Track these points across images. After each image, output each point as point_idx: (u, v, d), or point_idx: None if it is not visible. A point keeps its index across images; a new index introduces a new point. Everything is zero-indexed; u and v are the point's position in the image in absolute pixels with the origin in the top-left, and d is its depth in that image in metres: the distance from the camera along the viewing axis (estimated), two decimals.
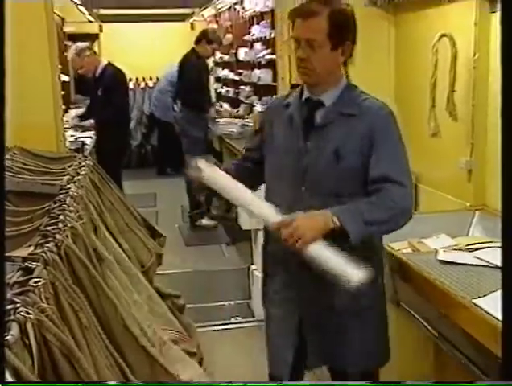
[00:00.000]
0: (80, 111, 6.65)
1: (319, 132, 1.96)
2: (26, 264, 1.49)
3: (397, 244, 2.39)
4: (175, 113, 6.26)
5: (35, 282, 1.40)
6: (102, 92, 5.40)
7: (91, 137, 5.45)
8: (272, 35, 5.69)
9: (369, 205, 1.86)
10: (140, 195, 6.71)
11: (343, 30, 1.92)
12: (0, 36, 1.05)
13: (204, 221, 5.84)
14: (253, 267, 3.93)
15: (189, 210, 5.96)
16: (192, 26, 9.18)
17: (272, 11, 5.58)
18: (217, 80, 9.24)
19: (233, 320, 3.89)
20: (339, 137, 1.93)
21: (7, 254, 1.69)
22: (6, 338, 1.12)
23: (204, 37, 5.73)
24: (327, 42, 1.90)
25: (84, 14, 7.84)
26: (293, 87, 3.61)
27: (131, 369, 1.66)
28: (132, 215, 3.10)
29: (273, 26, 5.60)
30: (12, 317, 1.20)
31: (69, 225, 1.93)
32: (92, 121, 5.62)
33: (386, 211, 1.86)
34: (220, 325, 3.81)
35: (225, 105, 7.92)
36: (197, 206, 5.86)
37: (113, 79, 5.45)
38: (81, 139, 5.59)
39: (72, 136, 5.30)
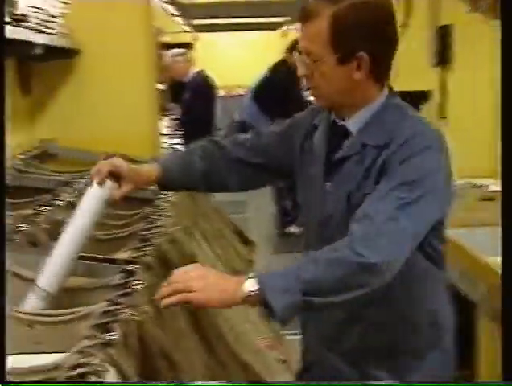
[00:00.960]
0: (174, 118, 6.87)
1: (339, 170, 1.47)
2: (128, 267, 1.54)
3: None
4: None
5: (136, 285, 1.44)
6: (189, 97, 5.55)
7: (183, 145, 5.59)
8: None
9: (311, 259, 1.29)
10: (229, 201, 6.77)
11: (352, 37, 1.36)
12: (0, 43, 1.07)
13: (293, 229, 5.83)
14: None
15: (277, 217, 5.97)
16: (285, 35, 9.24)
17: None
18: None
19: None
20: (355, 178, 1.43)
21: (109, 256, 1.76)
22: (109, 338, 1.16)
23: (295, 46, 5.70)
24: (329, 53, 1.38)
25: (180, 24, 8.07)
26: None
27: (226, 373, 1.67)
28: (224, 222, 3.16)
29: None
30: (116, 317, 1.24)
31: (166, 230, 1.98)
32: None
33: (338, 264, 1.26)
34: None
35: None
36: (285, 213, 5.86)
37: (200, 85, 5.60)
38: (175, 146, 5.75)
39: (165, 142, 5.45)
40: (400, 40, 1.46)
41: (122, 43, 3.46)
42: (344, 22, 1.35)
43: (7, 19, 2.16)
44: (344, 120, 1.49)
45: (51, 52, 2.92)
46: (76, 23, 3.23)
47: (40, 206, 2.09)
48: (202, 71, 5.78)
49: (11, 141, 3.08)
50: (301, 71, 1.44)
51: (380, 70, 1.43)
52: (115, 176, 1.59)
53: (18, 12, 2.20)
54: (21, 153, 3.02)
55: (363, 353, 1.49)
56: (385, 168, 1.37)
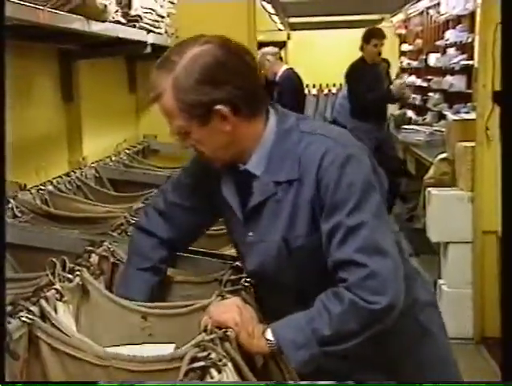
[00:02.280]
0: None
1: (259, 216, 1.37)
2: (236, 263, 1.56)
3: None
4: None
5: (246, 282, 1.45)
6: (277, 94, 5.57)
7: None
8: (469, 40, 5.42)
9: (322, 311, 1.26)
10: None
11: (196, 97, 1.28)
12: (0, 43, 1.08)
13: None
14: (440, 281, 3.77)
15: None
16: None
17: (471, 14, 5.31)
18: None
19: None
20: (284, 219, 1.34)
21: (216, 251, 1.79)
22: (227, 333, 1.18)
23: (362, 41, 5.36)
24: (188, 121, 1.30)
25: (275, 22, 8.10)
26: (495, 95, 3.41)
27: None
28: None
29: (471, 30, 5.33)
30: None
31: None
32: None
33: (353, 315, 1.24)
34: None
35: (410, 113, 7.71)
36: None
37: (289, 83, 5.59)
38: None
39: None
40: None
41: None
42: (182, 85, 1.27)
43: (122, 20, 2.25)
44: (244, 164, 1.38)
45: (158, 51, 3.02)
46: (181, 23, 3.31)
47: (148, 200, 2.15)
48: (291, 69, 5.78)
49: (118, 136, 3.21)
50: (185, 145, 1.35)
51: (249, 107, 1.32)
52: None
53: (133, 13, 2.28)
54: (127, 148, 3.14)
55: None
56: (319, 203, 1.30)
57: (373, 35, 5.35)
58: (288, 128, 1.37)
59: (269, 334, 1.25)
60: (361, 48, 5.39)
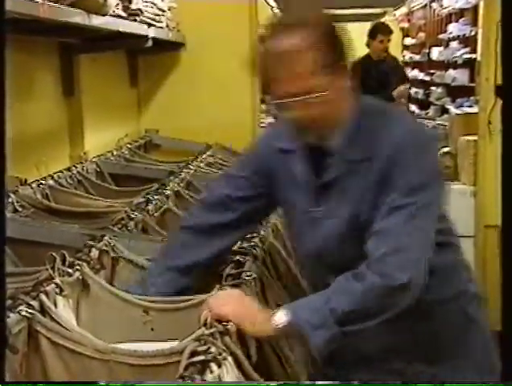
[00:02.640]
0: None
1: (330, 192, 1.40)
2: (237, 257, 1.56)
3: None
4: None
5: (247, 276, 1.45)
6: None
7: None
8: (472, 33, 5.40)
9: (340, 290, 1.27)
10: None
11: (331, 47, 1.34)
12: (0, 38, 1.08)
13: None
14: None
15: None
16: None
17: (475, 7, 5.28)
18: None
19: None
20: (355, 195, 1.37)
21: None
22: (226, 326, 1.18)
23: (368, 38, 5.23)
24: (317, 73, 1.31)
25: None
26: (498, 89, 3.39)
27: None
28: None
29: (474, 24, 5.31)
30: None
31: (271, 221, 1.99)
32: None
33: (370, 291, 1.25)
34: None
35: (413, 107, 7.70)
36: None
37: None
38: None
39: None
40: None
41: (226, 36, 3.51)
42: (321, 44, 1.29)
43: (123, 14, 2.24)
44: (323, 139, 1.38)
45: (159, 45, 3.01)
46: (182, 17, 3.30)
47: (149, 194, 2.15)
48: None
49: (119, 130, 3.21)
50: (295, 114, 1.32)
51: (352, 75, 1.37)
52: None
53: (134, 7, 2.28)
54: (128, 143, 3.14)
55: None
56: (384, 180, 1.32)
57: (380, 31, 5.22)
58: (372, 107, 1.42)
59: (280, 317, 1.24)
60: (367, 44, 5.25)
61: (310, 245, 1.45)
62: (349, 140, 1.37)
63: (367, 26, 8.98)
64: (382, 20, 8.87)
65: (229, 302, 1.26)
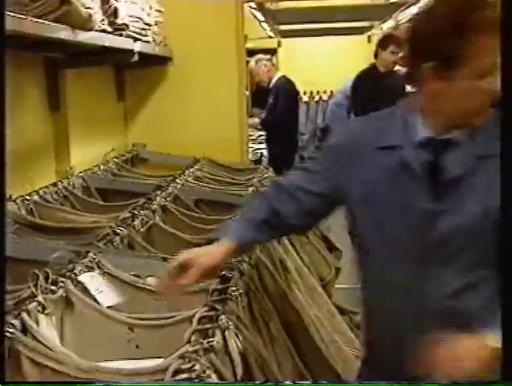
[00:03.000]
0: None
1: (454, 186, 1.37)
2: (223, 272, 1.55)
3: None
4: None
5: (233, 291, 1.44)
6: (272, 99, 5.58)
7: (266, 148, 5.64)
8: None
9: None
10: None
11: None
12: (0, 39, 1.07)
13: None
14: None
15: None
16: (369, 39, 9.11)
17: None
18: None
19: None
20: (484, 192, 1.35)
21: None
22: (211, 343, 1.17)
23: (377, 47, 4.93)
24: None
25: (265, 30, 8.11)
26: None
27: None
28: None
29: None
30: (215, 324, 1.25)
31: None
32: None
33: None
34: None
35: None
36: None
37: (283, 88, 5.59)
38: (260, 150, 5.79)
39: (250, 148, 5.50)
40: None
41: (213, 50, 3.52)
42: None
43: (109, 29, 2.24)
44: (448, 132, 1.35)
45: (145, 60, 3.01)
46: (169, 31, 3.31)
47: (135, 209, 2.14)
48: (285, 76, 5.81)
49: (106, 145, 3.20)
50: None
51: None
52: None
53: (120, 21, 2.27)
54: (115, 157, 3.13)
55: None
56: None
57: (392, 41, 4.90)
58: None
59: (493, 340, 1.23)
60: (375, 55, 4.94)
61: (414, 246, 1.39)
62: (476, 133, 1.34)
63: (352, 39, 9.10)
64: (370, 33, 8.95)
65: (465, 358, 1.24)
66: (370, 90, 4.92)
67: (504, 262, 1.27)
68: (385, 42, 4.94)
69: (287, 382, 1.26)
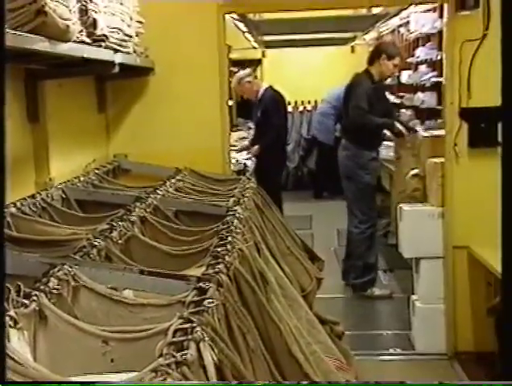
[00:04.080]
0: (241, 134, 6.96)
1: None
2: (200, 284, 1.54)
3: None
4: (340, 151, 4.95)
5: (209, 303, 1.43)
6: (261, 114, 5.58)
7: (252, 159, 5.63)
8: (439, 57, 5.50)
9: None
10: (296, 216, 6.77)
11: None
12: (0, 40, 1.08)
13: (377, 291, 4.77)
14: (413, 297, 3.78)
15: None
16: (353, 50, 9.18)
17: (440, 32, 5.39)
18: None
19: (391, 351, 3.76)
20: None
21: (182, 273, 1.77)
22: (184, 356, 1.15)
23: (380, 53, 4.64)
24: None
25: (249, 41, 8.14)
26: (462, 111, 3.44)
27: None
28: (292, 238, 3.13)
29: (440, 48, 5.41)
30: (190, 336, 1.24)
31: (237, 247, 1.98)
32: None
33: None
34: (377, 355, 3.70)
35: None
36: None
37: (272, 101, 5.60)
38: (243, 161, 5.79)
39: (233, 158, 5.50)
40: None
41: (195, 60, 3.53)
42: None
43: (87, 40, 2.23)
44: None
45: (126, 70, 3.01)
46: (150, 42, 3.31)
47: (114, 221, 2.13)
48: (270, 87, 5.81)
49: (87, 156, 3.18)
50: None
51: None
52: None
53: (99, 32, 2.27)
54: (96, 168, 3.11)
55: None
56: None
57: (398, 53, 4.73)
58: None
59: None
60: (371, 62, 4.68)
61: None
62: None
63: (336, 49, 9.15)
64: (353, 44, 9.02)
65: None
66: (378, 100, 4.69)
67: (504, 262, 1.26)
68: (391, 51, 4.67)
69: (286, 382, 1.25)
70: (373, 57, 4.68)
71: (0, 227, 1.06)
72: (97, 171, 3.07)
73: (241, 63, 7.89)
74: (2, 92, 1.08)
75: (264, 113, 5.56)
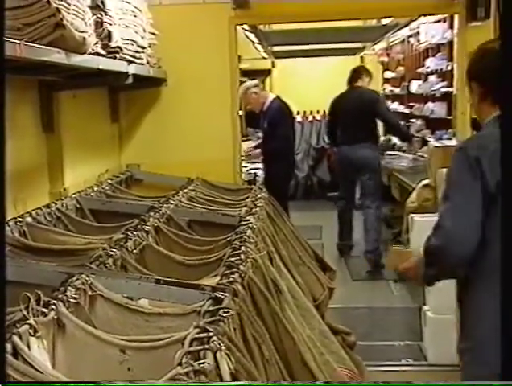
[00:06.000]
0: (251, 144, 6.97)
1: None
2: (215, 294, 1.55)
3: None
4: (357, 150, 5.51)
5: (225, 312, 1.44)
6: (268, 124, 5.60)
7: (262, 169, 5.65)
8: (449, 68, 5.51)
9: None
10: (306, 226, 6.76)
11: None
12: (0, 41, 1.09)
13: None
14: (425, 307, 3.76)
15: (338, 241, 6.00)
16: (362, 60, 9.20)
17: (450, 43, 5.41)
18: None
19: (403, 362, 3.73)
20: None
21: (195, 282, 1.78)
22: (202, 365, 1.17)
23: (360, 74, 5.70)
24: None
25: (259, 51, 8.18)
26: (474, 122, 3.44)
27: None
28: (304, 248, 3.14)
29: (450, 58, 5.43)
30: (207, 345, 1.25)
31: (250, 257, 1.99)
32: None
33: None
34: (389, 365, 3.68)
35: (394, 139, 7.78)
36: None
37: (278, 112, 5.61)
38: (253, 171, 5.81)
39: (244, 167, 5.51)
40: None
41: (207, 71, 3.55)
42: None
43: (102, 52, 2.26)
44: None
45: (140, 81, 3.04)
46: (163, 53, 3.34)
47: (128, 231, 2.14)
48: (278, 97, 5.82)
49: (100, 166, 3.21)
50: None
51: None
52: None
53: (113, 44, 2.30)
54: (109, 178, 3.14)
55: None
56: None
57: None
58: None
59: None
60: (356, 80, 5.65)
61: None
62: None
63: (345, 59, 9.19)
64: (362, 54, 9.04)
65: None
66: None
67: (504, 262, 1.27)
68: (355, 76, 5.64)
69: (288, 382, 1.26)
70: (357, 76, 5.67)
71: (1, 231, 1.06)
72: (110, 181, 3.09)
73: (251, 74, 7.92)
74: (2, 94, 1.09)
75: (270, 124, 5.57)
